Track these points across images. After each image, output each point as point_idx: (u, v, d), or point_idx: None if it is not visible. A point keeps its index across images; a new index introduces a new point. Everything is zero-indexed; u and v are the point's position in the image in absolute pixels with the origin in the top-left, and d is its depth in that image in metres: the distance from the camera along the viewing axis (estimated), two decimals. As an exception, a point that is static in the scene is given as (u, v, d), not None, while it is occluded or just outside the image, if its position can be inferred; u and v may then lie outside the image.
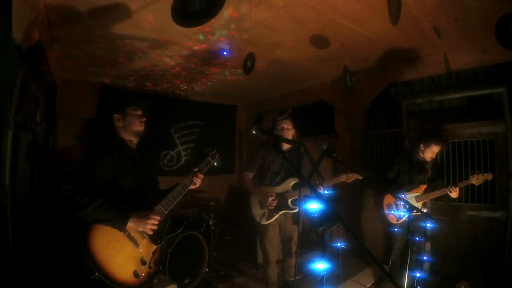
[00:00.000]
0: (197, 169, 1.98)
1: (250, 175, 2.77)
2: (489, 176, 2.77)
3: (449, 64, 3.24)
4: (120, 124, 1.85)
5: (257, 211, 2.68)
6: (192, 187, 1.95)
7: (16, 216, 1.95)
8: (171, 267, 2.98)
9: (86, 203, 1.50)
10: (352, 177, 2.53)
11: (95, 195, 1.55)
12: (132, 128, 1.84)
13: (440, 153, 3.05)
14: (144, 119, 1.90)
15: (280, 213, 2.61)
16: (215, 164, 2.10)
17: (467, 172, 3.53)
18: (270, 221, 2.60)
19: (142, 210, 1.68)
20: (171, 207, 1.83)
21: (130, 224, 1.60)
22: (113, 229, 1.57)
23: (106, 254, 1.53)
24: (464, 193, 3.43)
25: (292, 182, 2.65)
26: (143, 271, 1.65)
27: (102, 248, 1.53)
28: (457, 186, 2.75)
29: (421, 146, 3.00)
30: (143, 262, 1.66)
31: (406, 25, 2.91)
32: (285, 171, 2.71)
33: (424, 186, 2.94)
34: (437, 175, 3.15)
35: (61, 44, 3.34)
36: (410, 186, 2.98)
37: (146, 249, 1.70)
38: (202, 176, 1.97)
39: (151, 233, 1.69)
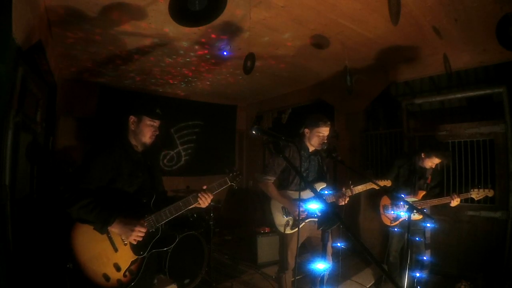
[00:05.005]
0: (205, 187, 1.80)
1: (271, 179, 2.47)
2: (490, 193, 2.75)
3: (449, 64, 3.24)
4: (132, 128, 1.77)
5: (280, 219, 2.44)
6: (196, 205, 1.79)
7: (16, 216, 1.94)
8: (171, 267, 2.98)
9: (72, 201, 1.52)
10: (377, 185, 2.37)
11: (84, 194, 1.54)
12: (141, 138, 1.77)
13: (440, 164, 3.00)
14: (157, 133, 1.82)
15: (307, 221, 2.41)
16: (235, 187, 1.89)
17: (467, 173, 3.54)
18: (295, 230, 2.39)
19: (133, 217, 1.61)
20: (165, 221, 1.71)
21: (114, 230, 1.58)
22: None
23: (84, 248, 1.55)
24: (464, 193, 3.42)
25: (320, 187, 2.46)
26: (115, 277, 1.58)
27: (82, 242, 1.55)
28: (459, 196, 2.72)
29: (422, 154, 2.93)
30: (117, 268, 1.59)
31: (406, 25, 2.91)
32: (311, 175, 2.52)
33: (422, 193, 2.91)
34: (438, 183, 3.08)
35: (61, 44, 3.35)
36: (408, 190, 2.96)
37: (124, 256, 1.62)
38: (211, 196, 1.79)
39: (134, 242, 1.62)
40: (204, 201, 1.79)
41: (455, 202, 2.73)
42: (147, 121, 1.77)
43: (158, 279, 2.80)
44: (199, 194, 1.78)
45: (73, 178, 1.61)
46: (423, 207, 2.81)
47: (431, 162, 2.90)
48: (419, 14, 2.76)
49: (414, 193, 2.92)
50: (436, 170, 3.03)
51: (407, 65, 3.98)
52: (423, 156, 2.93)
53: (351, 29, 3.05)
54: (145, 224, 1.65)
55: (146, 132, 1.77)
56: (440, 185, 3.11)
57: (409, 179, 2.99)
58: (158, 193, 1.82)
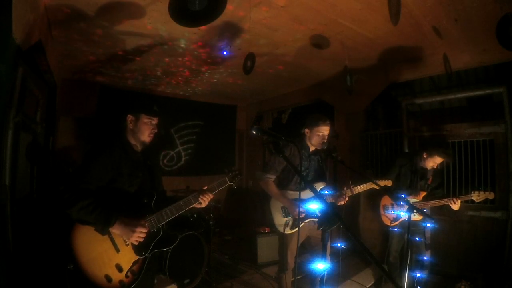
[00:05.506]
0: (206, 188, 1.83)
1: (272, 177, 2.48)
2: (490, 195, 2.74)
3: (449, 64, 3.24)
4: (131, 127, 1.77)
5: (280, 219, 2.44)
6: (197, 206, 1.82)
7: (16, 216, 1.94)
8: (171, 267, 2.99)
9: (72, 202, 1.50)
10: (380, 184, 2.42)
11: (84, 195, 1.52)
12: (140, 136, 1.77)
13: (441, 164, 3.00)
14: (155, 131, 1.81)
15: (306, 221, 2.41)
16: (234, 186, 1.95)
17: (467, 173, 3.53)
18: (295, 230, 2.39)
19: (134, 217, 1.61)
20: (166, 221, 1.72)
21: (115, 231, 1.57)
22: None
23: (85, 249, 1.53)
24: (465, 193, 3.42)
25: (320, 186, 2.46)
26: (117, 278, 1.58)
27: (83, 243, 1.54)
28: (459, 199, 2.72)
29: (424, 154, 2.92)
30: (119, 269, 1.59)
31: (406, 25, 2.91)
32: (311, 175, 2.53)
33: (423, 193, 2.91)
34: (439, 184, 3.07)
35: (61, 44, 3.35)
36: (410, 190, 2.95)
37: (126, 257, 1.63)
38: (211, 196, 1.84)
39: (136, 243, 1.62)
40: (205, 200, 1.82)
41: (456, 206, 2.72)
42: (145, 119, 1.77)
43: (158, 279, 2.80)
44: (199, 194, 1.80)
45: (73, 178, 1.59)
46: (423, 207, 2.81)
47: (433, 162, 2.89)
48: (419, 14, 2.76)
49: (415, 193, 2.92)
50: (437, 170, 3.02)
51: (407, 65, 3.98)
52: (425, 157, 2.92)
53: (351, 29, 3.05)
54: (146, 224, 1.65)
55: (145, 130, 1.77)
56: (442, 186, 3.10)
57: (410, 179, 2.99)
58: (159, 193, 1.81)
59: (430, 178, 3.01)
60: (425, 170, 2.98)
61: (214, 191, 1.87)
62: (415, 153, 3.09)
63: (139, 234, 1.59)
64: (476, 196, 2.73)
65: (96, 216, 1.51)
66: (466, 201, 3.44)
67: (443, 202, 2.77)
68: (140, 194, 1.72)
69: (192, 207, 1.82)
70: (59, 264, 1.59)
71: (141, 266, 1.67)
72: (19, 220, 2.05)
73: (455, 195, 2.82)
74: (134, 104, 1.82)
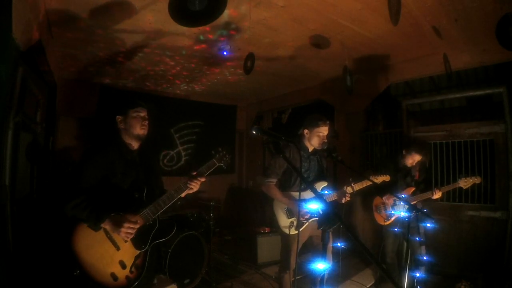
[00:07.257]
0: (195, 173, 1.84)
1: (274, 181, 2.48)
2: (477, 180, 2.81)
3: (449, 64, 3.25)
4: (122, 127, 1.81)
5: (284, 221, 2.45)
6: (189, 192, 1.83)
7: (16, 216, 1.95)
8: (171, 267, 2.99)
9: (66, 200, 1.55)
10: (380, 179, 2.52)
11: (77, 193, 1.57)
12: (133, 131, 1.79)
13: (424, 160, 3.08)
14: (146, 122, 1.84)
15: (310, 221, 2.43)
16: (223, 167, 1.94)
17: (467, 173, 3.53)
18: (299, 230, 2.39)
19: (127, 213, 1.63)
20: (159, 212, 1.74)
21: (107, 227, 1.60)
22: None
23: (88, 252, 1.56)
24: (464, 193, 3.43)
25: (321, 186, 2.49)
26: (123, 275, 1.62)
27: (84, 248, 1.56)
28: (440, 190, 2.80)
29: (404, 151, 3.05)
30: (123, 266, 1.62)
31: (406, 25, 2.91)
32: (312, 175, 2.55)
33: (411, 189, 2.97)
34: (425, 178, 3.14)
35: (61, 44, 3.35)
36: (394, 188, 2.99)
37: (127, 252, 1.65)
38: (202, 180, 1.83)
39: (126, 239, 1.64)
40: (196, 185, 1.83)
41: (436, 195, 2.82)
42: (132, 113, 1.81)
43: (158, 279, 2.80)
44: (188, 180, 1.81)
45: (69, 177, 1.66)
46: (413, 203, 2.85)
47: (412, 160, 2.99)
48: (419, 14, 2.76)
49: (401, 190, 2.99)
50: (423, 166, 3.08)
51: (407, 65, 3.98)
52: (404, 153, 3.04)
53: (351, 29, 3.05)
54: (139, 219, 1.68)
55: (135, 124, 1.80)
56: (425, 181, 3.14)
57: (395, 176, 3.03)
58: (151, 187, 1.83)
59: (417, 174, 3.08)
60: (408, 167, 3.03)
61: (204, 175, 1.85)
62: (398, 153, 3.20)
63: (127, 230, 1.60)
64: (464, 183, 2.81)
65: (88, 213, 1.55)
66: (466, 201, 3.45)
67: (428, 195, 2.85)
68: (131, 190, 1.75)
69: (186, 194, 1.84)
70: (64, 272, 1.60)
71: (144, 260, 1.72)
72: (19, 220, 2.05)
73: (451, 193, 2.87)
74: (119, 105, 1.87)
